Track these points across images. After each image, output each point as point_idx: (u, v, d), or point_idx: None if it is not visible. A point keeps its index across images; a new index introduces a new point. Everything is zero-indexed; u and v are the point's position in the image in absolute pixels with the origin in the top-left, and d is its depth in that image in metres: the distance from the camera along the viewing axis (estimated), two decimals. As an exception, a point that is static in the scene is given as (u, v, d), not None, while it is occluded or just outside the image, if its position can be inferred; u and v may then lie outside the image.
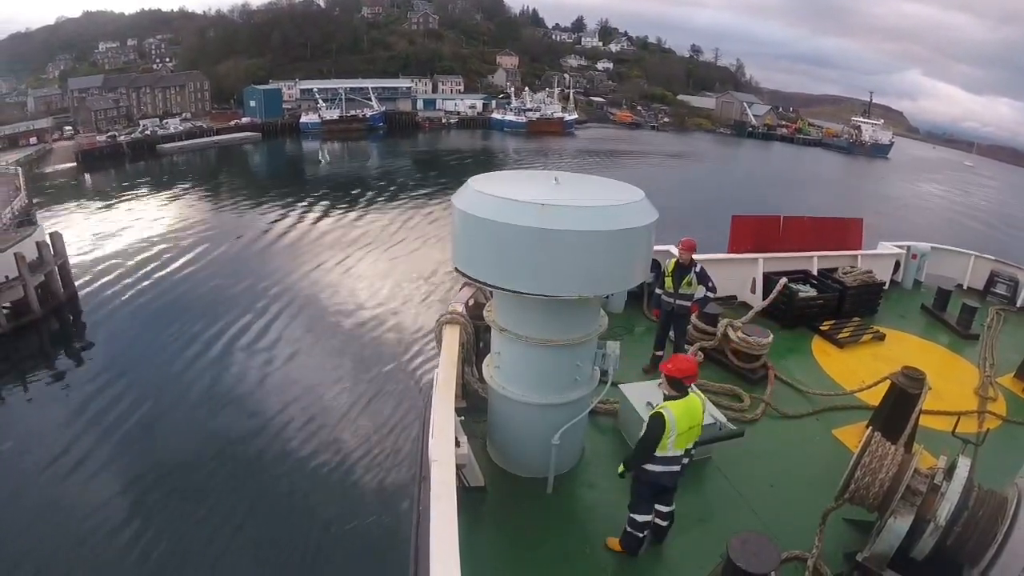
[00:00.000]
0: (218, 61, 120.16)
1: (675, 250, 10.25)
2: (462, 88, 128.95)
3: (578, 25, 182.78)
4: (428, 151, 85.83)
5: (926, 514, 4.22)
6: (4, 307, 25.53)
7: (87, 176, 64.98)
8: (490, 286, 4.67)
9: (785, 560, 4.59)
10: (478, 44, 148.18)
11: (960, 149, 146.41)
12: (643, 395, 6.22)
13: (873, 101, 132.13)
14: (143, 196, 53.58)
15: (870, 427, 5.45)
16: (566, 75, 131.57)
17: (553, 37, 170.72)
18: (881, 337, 9.52)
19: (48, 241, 28.25)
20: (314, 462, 16.53)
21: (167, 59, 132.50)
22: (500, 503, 5.34)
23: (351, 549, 13.56)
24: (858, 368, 8.26)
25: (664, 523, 4.90)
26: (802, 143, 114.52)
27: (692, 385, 4.63)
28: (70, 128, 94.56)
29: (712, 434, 5.83)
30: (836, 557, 4.82)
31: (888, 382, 6.17)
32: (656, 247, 7.16)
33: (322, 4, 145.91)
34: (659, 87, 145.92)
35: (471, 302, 7.23)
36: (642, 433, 4.52)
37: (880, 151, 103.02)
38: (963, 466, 4.34)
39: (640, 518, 4.70)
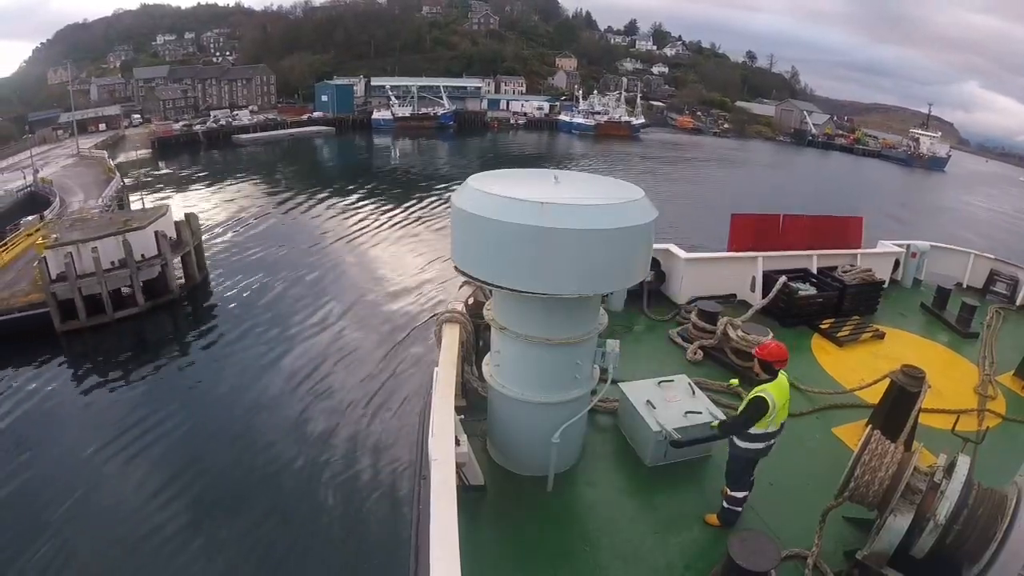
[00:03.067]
0: (281, 56, 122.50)
1: (675, 249, 10.29)
2: (524, 89, 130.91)
3: (631, 28, 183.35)
4: (497, 151, 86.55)
5: (926, 512, 4.22)
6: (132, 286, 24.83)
7: (163, 163, 66.08)
8: (490, 285, 4.66)
9: (785, 558, 4.59)
10: (537, 46, 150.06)
11: (1013, 164, 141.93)
12: (643, 393, 6.22)
13: (922, 111, 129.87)
14: (225, 183, 54.49)
15: (870, 425, 5.46)
16: (624, 79, 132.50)
17: (609, 40, 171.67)
18: (881, 335, 9.51)
19: (185, 220, 28.24)
20: (315, 460, 16.55)
21: (227, 53, 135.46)
22: (500, 502, 5.34)
23: (351, 547, 13.58)
24: (858, 366, 8.25)
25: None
26: (861, 153, 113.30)
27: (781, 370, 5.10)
28: (138, 116, 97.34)
29: (712, 432, 5.83)
30: (836, 555, 4.82)
31: (888, 380, 6.17)
32: (655, 245, 7.16)
33: (382, 1, 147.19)
34: (715, 92, 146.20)
35: (471, 301, 7.23)
36: (741, 410, 4.90)
37: (937, 164, 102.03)
38: (963, 464, 4.34)
39: (740, 494, 5.06)
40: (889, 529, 4.28)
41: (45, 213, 36.30)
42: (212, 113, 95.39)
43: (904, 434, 5.22)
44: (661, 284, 10.36)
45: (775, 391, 4.83)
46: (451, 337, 6.20)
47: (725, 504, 5.13)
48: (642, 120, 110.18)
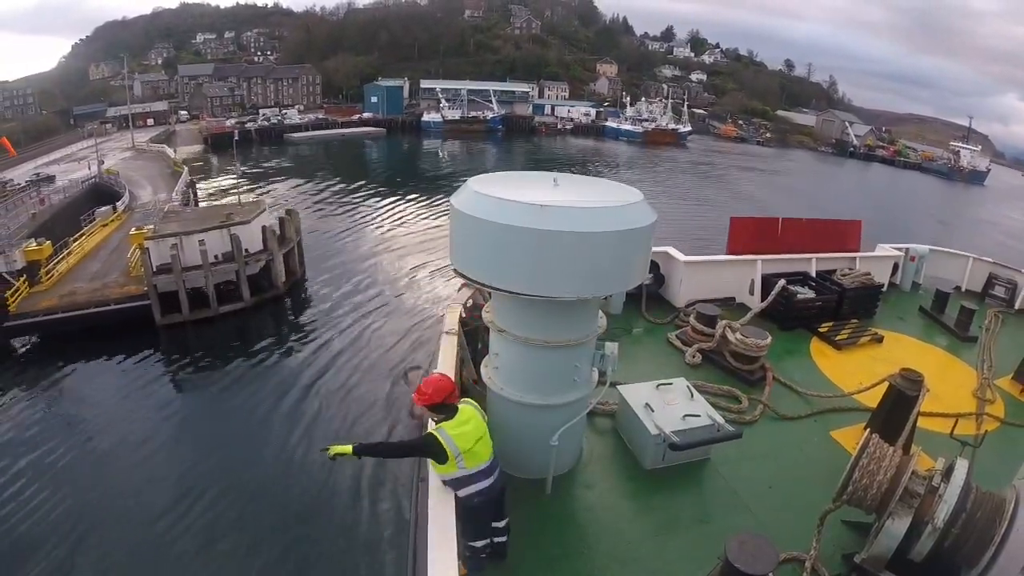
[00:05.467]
0: (324, 57, 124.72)
1: (674, 252, 10.31)
2: (567, 94, 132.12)
3: (667, 35, 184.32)
4: (547, 155, 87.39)
5: (924, 516, 4.22)
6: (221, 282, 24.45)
7: (215, 159, 67.05)
8: (489, 287, 4.66)
9: (783, 561, 4.59)
10: (577, 51, 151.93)
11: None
12: (641, 396, 6.23)
13: (956, 122, 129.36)
14: (284, 180, 55.46)
15: (868, 429, 5.46)
16: (664, 86, 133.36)
17: (647, 46, 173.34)
18: (879, 339, 9.51)
19: (288, 216, 28.39)
20: (315, 461, 16.52)
21: (268, 52, 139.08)
22: None
23: (350, 550, 13.55)
24: (856, 370, 8.26)
25: (502, 538, 4.66)
26: (902, 166, 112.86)
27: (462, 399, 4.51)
28: (184, 113, 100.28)
29: (710, 435, 5.83)
30: (834, 558, 4.82)
31: (886, 384, 6.16)
32: (654, 248, 7.16)
33: (422, 2, 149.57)
34: (755, 101, 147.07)
35: (470, 303, 7.24)
36: (410, 444, 4.32)
37: (977, 178, 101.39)
38: (961, 468, 4.34)
39: (479, 543, 4.44)
40: (887, 532, 4.27)
41: (117, 205, 36.63)
42: (261, 111, 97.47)
43: (902, 438, 5.21)
44: (660, 287, 10.37)
45: (453, 431, 4.21)
46: (449, 339, 6.21)
47: (467, 553, 4.49)
48: (689, 128, 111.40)
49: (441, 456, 4.15)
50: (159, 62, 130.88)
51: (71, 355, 21.13)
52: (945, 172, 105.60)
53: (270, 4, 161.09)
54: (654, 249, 6.10)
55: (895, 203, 68.51)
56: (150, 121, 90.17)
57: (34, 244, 24.70)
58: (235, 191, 41.62)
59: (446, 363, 5.84)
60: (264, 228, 26.01)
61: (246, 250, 24.87)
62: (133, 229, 26.42)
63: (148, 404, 18.98)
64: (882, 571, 4.38)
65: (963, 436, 5.34)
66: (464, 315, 6.94)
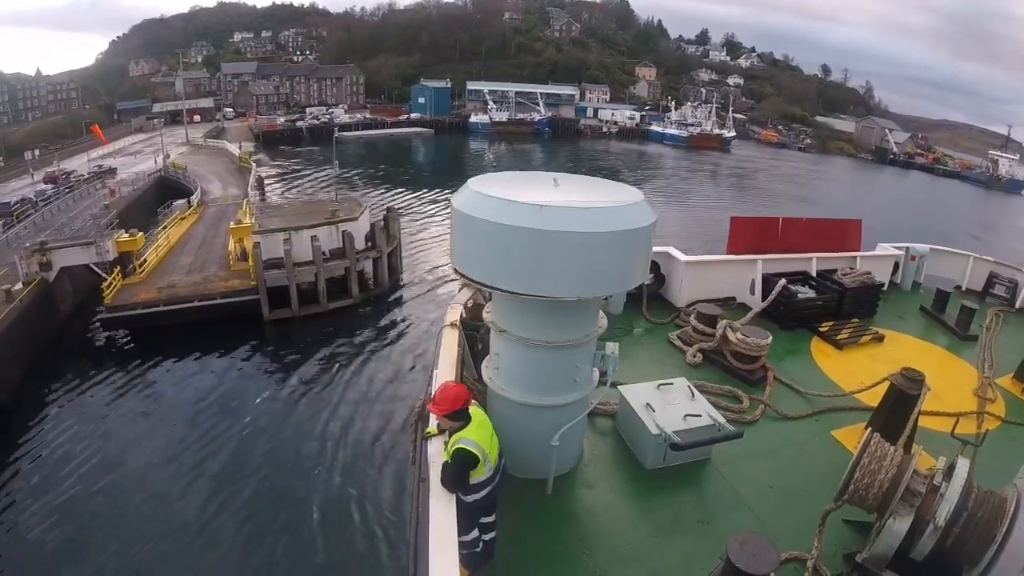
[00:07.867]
0: (366, 57, 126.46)
1: (675, 252, 10.31)
2: (608, 97, 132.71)
3: (702, 38, 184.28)
4: (595, 158, 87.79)
5: (925, 515, 4.22)
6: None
7: (266, 155, 67.61)
8: (489, 287, 4.66)
9: (784, 561, 4.59)
10: (616, 54, 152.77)
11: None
12: (642, 396, 6.22)
13: (991, 129, 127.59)
14: (342, 178, 54.72)
15: (869, 428, 5.46)
16: (703, 90, 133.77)
17: (684, 50, 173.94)
18: (880, 338, 9.51)
19: (391, 215, 28.60)
20: (313, 461, 16.53)
21: (307, 52, 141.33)
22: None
23: (351, 550, 13.54)
24: (857, 369, 8.26)
25: (491, 534, 4.65)
26: (941, 174, 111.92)
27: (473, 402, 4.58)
28: (230, 110, 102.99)
29: (711, 435, 5.83)
30: (835, 558, 4.82)
31: (887, 383, 6.16)
32: (655, 248, 7.17)
33: (459, 2, 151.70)
34: (794, 106, 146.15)
35: (470, 303, 7.23)
36: (451, 466, 4.26)
37: (1015, 187, 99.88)
38: (962, 467, 4.34)
39: (468, 536, 4.43)
40: (889, 532, 4.27)
41: (191, 199, 36.96)
42: (308, 110, 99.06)
43: (903, 437, 5.20)
44: (661, 287, 10.37)
45: (475, 435, 4.35)
46: (450, 339, 6.21)
47: (463, 551, 4.38)
48: (733, 133, 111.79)
49: (475, 463, 4.27)
50: (199, 60, 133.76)
51: (171, 349, 20.68)
52: (984, 181, 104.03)
53: (307, 4, 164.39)
54: (655, 249, 6.10)
55: (939, 212, 68.34)
56: (196, 118, 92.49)
57: (126, 235, 24.32)
58: (331, 189, 40.84)
59: (446, 363, 5.84)
60: (373, 225, 26.34)
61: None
62: (232, 223, 26.56)
63: (268, 400, 18.89)
64: (884, 570, 4.38)
65: (964, 435, 5.33)
66: (464, 315, 6.94)
